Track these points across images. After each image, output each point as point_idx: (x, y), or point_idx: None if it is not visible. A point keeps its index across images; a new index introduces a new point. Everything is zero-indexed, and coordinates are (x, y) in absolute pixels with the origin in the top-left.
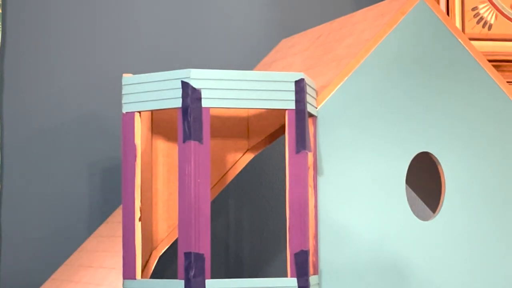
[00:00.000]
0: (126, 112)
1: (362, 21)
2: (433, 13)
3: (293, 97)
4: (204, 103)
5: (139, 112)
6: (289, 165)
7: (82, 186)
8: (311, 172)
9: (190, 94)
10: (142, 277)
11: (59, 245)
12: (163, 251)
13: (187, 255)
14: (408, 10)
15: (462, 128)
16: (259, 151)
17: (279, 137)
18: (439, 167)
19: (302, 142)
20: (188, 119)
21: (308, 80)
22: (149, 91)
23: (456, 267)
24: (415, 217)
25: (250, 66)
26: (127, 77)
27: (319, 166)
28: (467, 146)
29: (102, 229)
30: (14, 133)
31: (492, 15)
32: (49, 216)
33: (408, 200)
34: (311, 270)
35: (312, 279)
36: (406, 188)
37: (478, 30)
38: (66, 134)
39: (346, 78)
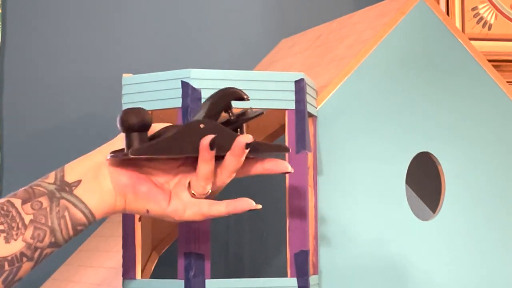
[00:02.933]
0: None
1: (362, 21)
2: (433, 13)
3: (293, 97)
4: None
5: None
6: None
7: None
8: (311, 172)
9: (190, 94)
10: (142, 277)
11: None
12: (163, 251)
13: (187, 255)
14: (408, 10)
15: (462, 128)
16: None
17: (279, 137)
18: (439, 167)
19: (302, 142)
20: (188, 119)
21: (308, 80)
22: (149, 91)
23: (456, 267)
24: (415, 217)
25: (250, 66)
26: (127, 77)
27: (319, 166)
28: (467, 146)
29: (102, 229)
30: (14, 133)
31: (492, 15)
32: None
33: (408, 200)
34: (311, 270)
35: (312, 279)
36: (406, 188)
37: (478, 30)
38: (66, 134)
39: (346, 78)
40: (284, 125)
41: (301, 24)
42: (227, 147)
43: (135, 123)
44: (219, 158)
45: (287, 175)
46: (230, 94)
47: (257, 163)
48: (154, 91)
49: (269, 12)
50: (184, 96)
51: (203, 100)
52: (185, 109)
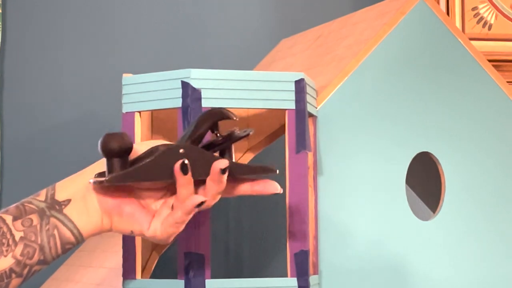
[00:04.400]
0: (126, 112)
1: (362, 21)
2: (433, 13)
3: (293, 97)
4: (204, 103)
5: (139, 112)
6: (289, 165)
7: None
8: (311, 172)
9: (190, 94)
10: (142, 277)
11: None
12: (163, 251)
13: (187, 255)
14: (408, 10)
15: (462, 128)
16: (259, 151)
17: (279, 137)
18: (439, 167)
19: (302, 142)
20: (188, 119)
21: (308, 80)
22: (149, 91)
23: (456, 267)
24: (415, 217)
25: (250, 66)
26: (127, 77)
27: (319, 166)
28: (467, 146)
29: None
30: (14, 133)
31: (492, 15)
32: None
33: (408, 200)
34: (311, 270)
35: (312, 279)
36: (406, 188)
37: (478, 30)
38: (66, 134)
39: (346, 78)
40: (284, 125)
41: (301, 24)
42: (208, 171)
43: (115, 148)
44: (203, 181)
45: (287, 176)
46: (215, 115)
47: (244, 183)
48: (154, 91)
49: (269, 12)
50: (184, 96)
51: (203, 100)
52: (185, 109)
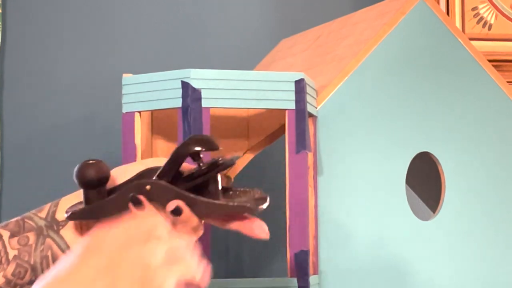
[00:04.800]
0: (126, 112)
1: (362, 21)
2: (433, 13)
3: (293, 97)
4: (204, 103)
5: (139, 112)
6: (289, 165)
7: None
8: (311, 172)
9: (190, 94)
10: None
11: None
12: None
13: None
14: (408, 10)
15: (462, 128)
16: (259, 151)
17: (279, 137)
18: (439, 167)
19: (302, 142)
20: (188, 119)
21: (308, 80)
22: (149, 91)
23: (456, 267)
24: (415, 217)
25: (250, 66)
26: (127, 77)
27: (319, 166)
28: (467, 146)
29: None
30: (14, 133)
31: (492, 15)
32: None
33: (408, 200)
34: (311, 270)
35: (312, 279)
36: (406, 188)
37: (478, 30)
38: (66, 134)
39: (346, 78)
40: (284, 125)
41: (301, 24)
42: None
43: (90, 180)
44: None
45: (287, 176)
46: (194, 145)
47: (233, 220)
48: (154, 91)
49: (269, 12)
50: (184, 96)
51: (203, 100)
52: (185, 109)
